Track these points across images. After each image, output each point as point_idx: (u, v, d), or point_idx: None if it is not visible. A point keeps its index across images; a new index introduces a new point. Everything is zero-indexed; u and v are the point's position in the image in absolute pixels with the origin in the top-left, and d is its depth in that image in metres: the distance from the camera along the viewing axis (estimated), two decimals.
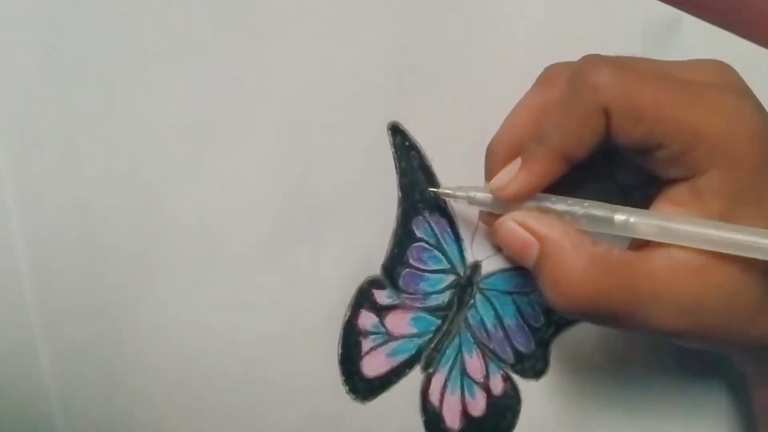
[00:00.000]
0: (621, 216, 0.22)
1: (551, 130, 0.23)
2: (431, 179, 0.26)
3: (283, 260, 0.24)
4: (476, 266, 0.27)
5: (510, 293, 0.27)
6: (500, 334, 0.27)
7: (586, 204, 0.23)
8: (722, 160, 0.21)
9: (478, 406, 0.26)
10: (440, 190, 0.25)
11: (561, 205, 0.23)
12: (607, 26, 0.28)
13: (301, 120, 0.24)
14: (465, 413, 0.26)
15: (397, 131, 0.26)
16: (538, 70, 0.26)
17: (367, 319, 0.25)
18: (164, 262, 0.23)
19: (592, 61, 0.23)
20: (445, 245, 0.26)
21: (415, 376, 0.26)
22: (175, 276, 0.23)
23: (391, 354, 0.25)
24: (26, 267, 0.21)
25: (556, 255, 0.22)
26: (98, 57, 0.22)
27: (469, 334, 0.26)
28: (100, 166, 0.22)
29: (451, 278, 0.26)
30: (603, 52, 0.28)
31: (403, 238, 0.26)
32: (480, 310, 0.27)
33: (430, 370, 0.26)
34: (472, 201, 0.24)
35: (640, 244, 0.23)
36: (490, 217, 0.25)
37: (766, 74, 0.30)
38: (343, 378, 0.25)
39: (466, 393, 0.26)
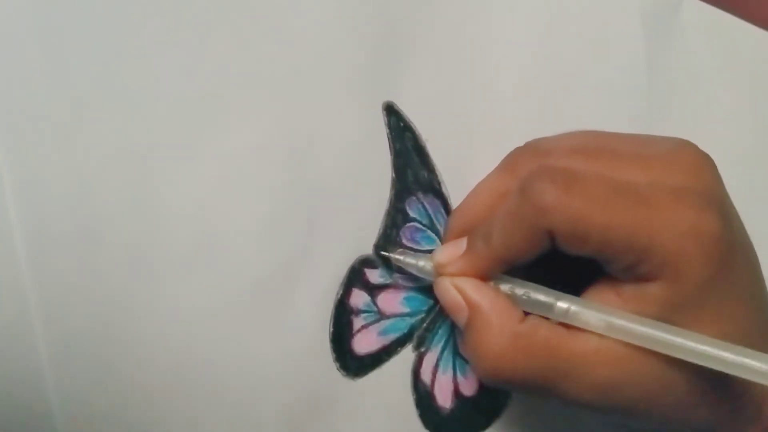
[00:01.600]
0: (562, 304, 0.22)
1: (496, 235, 0.23)
2: (425, 160, 0.26)
3: (277, 242, 0.24)
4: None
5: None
6: None
7: (529, 286, 0.23)
8: (668, 274, 0.21)
9: (470, 385, 0.27)
10: (392, 255, 0.26)
11: (504, 285, 0.23)
12: (606, 8, 0.28)
13: (294, 101, 0.24)
14: (457, 393, 0.26)
15: (391, 112, 0.26)
16: (534, 51, 0.26)
17: (358, 298, 0.26)
18: (159, 247, 0.23)
19: (541, 177, 0.22)
20: (438, 226, 0.26)
21: (407, 354, 0.26)
22: (170, 260, 0.23)
23: (383, 333, 0.26)
24: (24, 258, 0.22)
25: (480, 327, 0.23)
26: (94, 45, 0.22)
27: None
28: (96, 155, 0.23)
29: None
30: (602, 35, 0.29)
31: (396, 218, 0.26)
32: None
33: (422, 349, 0.26)
34: (419, 270, 0.25)
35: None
36: None
37: (766, 56, 0.31)
38: (335, 355, 0.25)
39: (458, 373, 0.26)
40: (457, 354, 0.26)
